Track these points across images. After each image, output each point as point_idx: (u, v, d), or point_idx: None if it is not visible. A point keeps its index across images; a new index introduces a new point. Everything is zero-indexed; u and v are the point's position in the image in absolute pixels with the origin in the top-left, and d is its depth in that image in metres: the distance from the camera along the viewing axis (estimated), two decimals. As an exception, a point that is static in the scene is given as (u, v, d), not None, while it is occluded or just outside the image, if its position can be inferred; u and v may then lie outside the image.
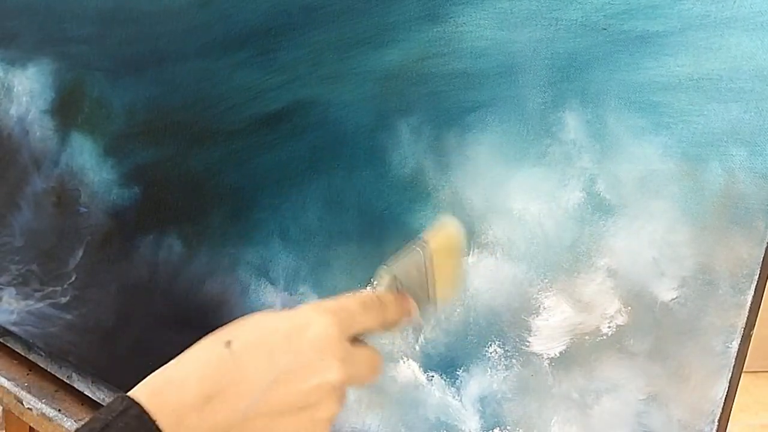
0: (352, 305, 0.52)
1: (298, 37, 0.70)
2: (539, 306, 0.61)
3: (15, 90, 0.98)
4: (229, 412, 0.46)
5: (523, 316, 0.62)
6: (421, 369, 0.68)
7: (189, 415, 0.45)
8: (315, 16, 0.68)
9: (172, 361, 0.48)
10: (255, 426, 0.47)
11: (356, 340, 0.51)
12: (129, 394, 0.46)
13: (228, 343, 0.48)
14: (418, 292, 0.53)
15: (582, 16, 0.56)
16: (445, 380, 0.66)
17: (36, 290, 1.01)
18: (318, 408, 0.49)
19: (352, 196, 0.70)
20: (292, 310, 0.51)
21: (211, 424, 0.46)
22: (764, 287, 0.53)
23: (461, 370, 0.65)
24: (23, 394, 0.97)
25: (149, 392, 0.46)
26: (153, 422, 0.44)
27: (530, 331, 0.62)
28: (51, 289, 0.97)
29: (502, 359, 0.63)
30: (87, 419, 0.45)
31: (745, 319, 0.53)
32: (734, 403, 0.56)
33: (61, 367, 0.98)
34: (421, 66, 0.64)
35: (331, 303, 0.52)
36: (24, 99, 0.98)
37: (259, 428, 0.47)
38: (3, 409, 1.10)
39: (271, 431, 0.48)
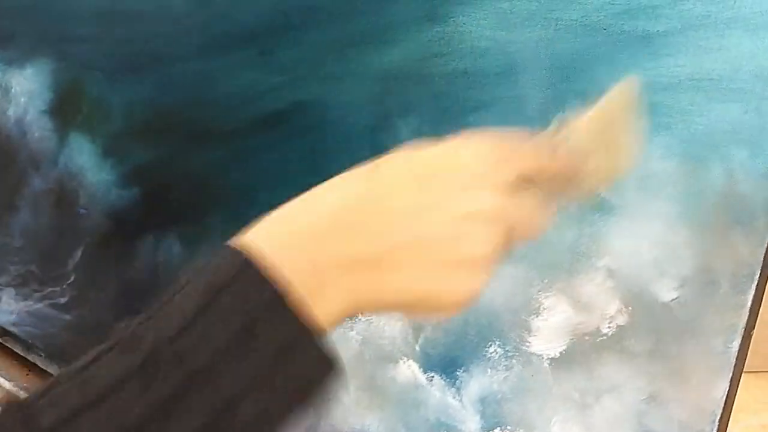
0: (513, 139, 0.45)
1: (298, 37, 0.70)
2: (539, 306, 0.61)
3: (13, 90, 0.98)
4: (367, 241, 0.41)
5: (523, 316, 0.62)
6: (421, 369, 0.68)
7: (328, 268, 0.39)
8: (315, 16, 0.68)
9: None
10: (397, 257, 0.41)
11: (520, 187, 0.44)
12: (246, 245, 0.39)
13: (376, 166, 0.43)
14: (588, 156, 0.46)
15: (582, 16, 0.56)
16: (445, 380, 0.66)
17: (35, 291, 1.00)
18: (467, 241, 0.42)
19: (352, 196, 0.70)
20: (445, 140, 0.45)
21: (346, 258, 0.40)
22: (765, 287, 0.53)
23: (461, 371, 0.65)
24: (23, 395, 0.97)
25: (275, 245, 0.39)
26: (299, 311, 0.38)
27: (530, 331, 0.62)
28: (50, 289, 0.97)
29: (503, 359, 0.63)
30: (189, 271, 0.38)
31: (746, 318, 0.53)
32: (734, 403, 0.56)
33: (60, 368, 0.98)
34: (421, 66, 0.64)
35: (489, 133, 0.45)
36: (22, 99, 0.98)
37: (401, 260, 0.41)
38: (2, 410, 1.10)
39: (411, 266, 0.41)
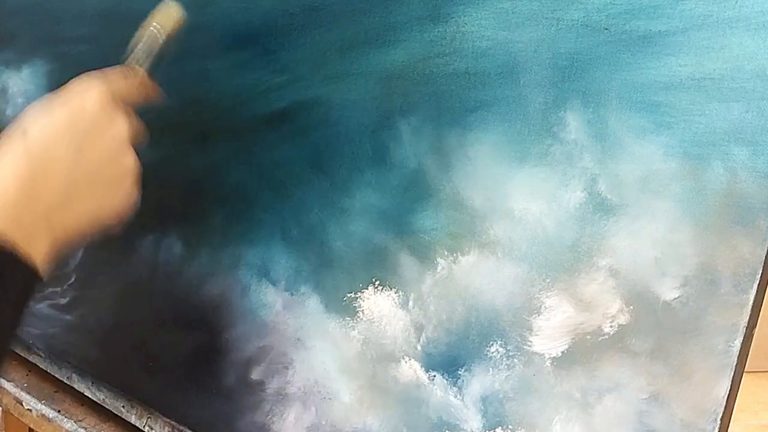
0: (114, 74, 0.65)
1: (300, 37, 0.70)
2: (541, 306, 0.61)
3: (10, 91, 0.98)
4: (53, 192, 0.54)
5: (524, 316, 0.62)
6: (423, 368, 0.68)
7: (33, 223, 0.53)
8: (317, 16, 0.68)
9: None
10: (79, 193, 0.56)
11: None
12: None
13: (24, 132, 0.56)
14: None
15: (584, 16, 0.56)
16: (447, 380, 0.66)
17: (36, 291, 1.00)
18: (123, 158, 0.60)
19: (354, 195, 0.70)
20: (64, 91, 0.60)
21: (42, 211, 0.54)
22: (766, 286, 0.53)
23: (463, 370, 0.65)
24: (23, 395, 0.97)
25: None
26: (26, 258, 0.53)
27: (532, 330, 0.62)
28: (51, 290, 0.97)
29: (504, 359, 0.63)
30: None
31: (748, 317, 0.53)
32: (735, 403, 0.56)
33: (60, 368, 0.97)
34: (423, 66, 0.64)
35: (96, 75, 0.63)
36: (19, 100, 0.97)
37: (84, 194, 0.56)
38: (2, 410, 1.09)
39: (94, 194, 0.58)
